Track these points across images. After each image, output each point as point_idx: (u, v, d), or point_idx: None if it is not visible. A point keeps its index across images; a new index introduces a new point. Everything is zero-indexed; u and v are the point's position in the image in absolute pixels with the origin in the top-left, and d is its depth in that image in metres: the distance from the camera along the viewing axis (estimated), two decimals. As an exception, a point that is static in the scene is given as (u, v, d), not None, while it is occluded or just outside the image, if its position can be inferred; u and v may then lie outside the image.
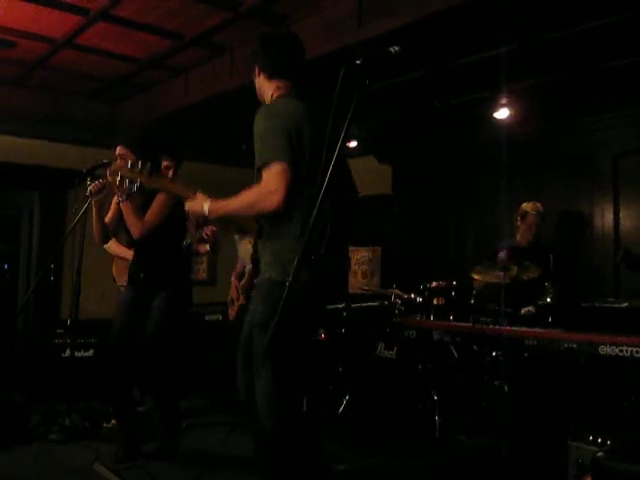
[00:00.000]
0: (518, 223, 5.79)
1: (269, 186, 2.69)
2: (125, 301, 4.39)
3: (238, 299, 5.68)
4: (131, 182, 3.24)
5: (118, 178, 3.60)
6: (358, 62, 2.49)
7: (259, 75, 3.07)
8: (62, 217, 7.25)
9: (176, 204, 4.00)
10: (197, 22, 5.28)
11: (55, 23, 5.30)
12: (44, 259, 6.82)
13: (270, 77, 3.03)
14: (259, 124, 2.80)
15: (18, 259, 7.71)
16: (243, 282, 5.65)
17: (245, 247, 5.64)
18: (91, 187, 4.27)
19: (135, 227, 4.09)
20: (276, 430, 2.80)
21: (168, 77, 6.77)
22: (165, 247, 4.28)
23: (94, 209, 4.31)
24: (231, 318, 5.83)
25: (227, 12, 5.07)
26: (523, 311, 5.14)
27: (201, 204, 2.90)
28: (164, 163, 4.68)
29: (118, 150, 4.26)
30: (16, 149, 7.00)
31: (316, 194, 2.44)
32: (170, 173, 4.82)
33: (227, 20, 5.21)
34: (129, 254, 4.75)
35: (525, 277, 5.04)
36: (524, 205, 5.77)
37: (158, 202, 4.11)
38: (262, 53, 3.05)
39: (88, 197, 4.34)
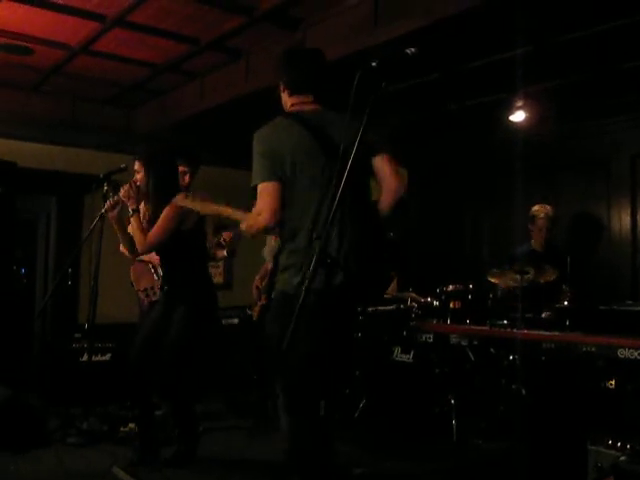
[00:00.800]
0: (530, 227, 5.77)
1: (257, 208, 2.85)
2: (151, 314, 4.48)
3: (260, 299, 5.68)
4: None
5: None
6: (374, 64, 2.50)
7: (283, 92, 3.13)
8: (79, 222, 7.28)
9: (182, 221, 4.16)
10: (213, 27, 5.29)
11: (72, 30, 5.34)
12: (61, 264, 6.84)
13: (291, 94, 3.08)
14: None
15: (35, 264, 7.74)
16: (264, 282, 5.64)
17: (270, 245, 5.62)
18: (106, 206, 4.38)
19: (139, 243, 4.21)
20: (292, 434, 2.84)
21: (183, 82, 6.79)
22: (183, 263, 4.33)
23: (114, 224, 4.39)
24: (254, 319, 5.85)
25: (243, 17, 5.09)
26: (544, 315, 5.10)
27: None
28: (180, 168, 4.69)
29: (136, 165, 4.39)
30: (32, 154, 7.03)
31: (328, 203, 2.48)
32: (187, 178, 4.83)
33: (243, 25, 5.22)
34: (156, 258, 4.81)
35: (542, 280, 5.02)
36: (533, 208, 5.74)
37: (162, 219, 4.17)
38: (283, 71, 3.11)
39: (106, 203, 4.41)
